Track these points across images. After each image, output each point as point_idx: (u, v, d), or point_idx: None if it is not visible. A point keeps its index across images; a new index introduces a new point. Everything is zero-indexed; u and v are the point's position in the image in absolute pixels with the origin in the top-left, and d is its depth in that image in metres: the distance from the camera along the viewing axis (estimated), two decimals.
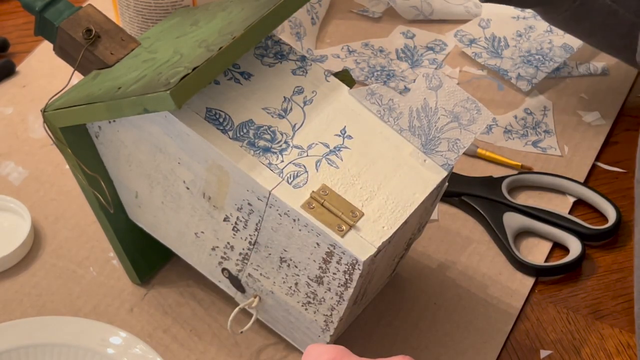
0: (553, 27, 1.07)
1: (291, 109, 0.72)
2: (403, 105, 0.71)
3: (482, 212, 0.88)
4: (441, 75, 0.69)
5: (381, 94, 0.72)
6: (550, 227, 0.87)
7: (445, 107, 0.70)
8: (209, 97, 0.70)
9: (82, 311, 0.82)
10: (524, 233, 0.88)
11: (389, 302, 0.83)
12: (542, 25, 1.07)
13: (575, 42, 1.05)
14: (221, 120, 0.70)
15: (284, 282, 0.73)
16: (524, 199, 0.91)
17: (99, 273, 0.84)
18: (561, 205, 0.91)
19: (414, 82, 0.71)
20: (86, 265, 0.85)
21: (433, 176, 0.71)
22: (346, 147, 0.71)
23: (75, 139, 0.74)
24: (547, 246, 0.87)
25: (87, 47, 0.74)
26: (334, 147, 0.71)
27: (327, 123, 0.72)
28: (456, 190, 0.90)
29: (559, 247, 0.87)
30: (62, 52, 0.77)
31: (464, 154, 0.95)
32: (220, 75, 0.72)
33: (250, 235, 0.72)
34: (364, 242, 0.67)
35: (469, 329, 0.81)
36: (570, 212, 0.90)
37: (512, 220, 0.87)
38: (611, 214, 0.89)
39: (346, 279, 0.68)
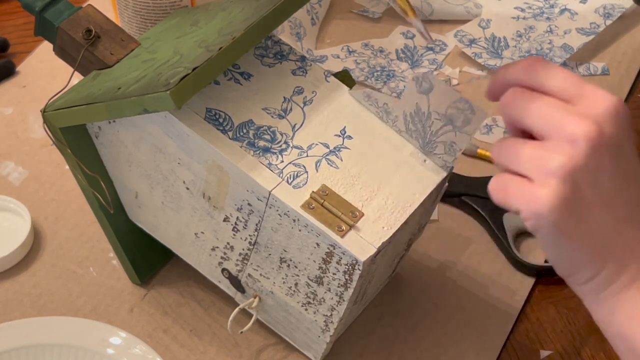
0: (553, 27, 1.07)
1: (291, 109, 0.72)
2: (397, 109, 0.71)
3: (482, 213, 0.88)
4: (431, 77, 0.69)
5: (376, 98, 0.72)
6: None
7: (437, 111, 0.69)
8: (209, 97, 0.70)
9: (82, 311, 0.82)
10: (524, 233, 0.88)
11: (389, 302, 0.83)
12: (542, 25, 1.07)
13: (575, 42, 1.05)
14: (221, 120, 0.70)
15: (283, 282, 0.73)
16: None
17: (99, 273, 0.85)
18: None
19: (404, 87, 0.71)
20: (86, 265, 0.85)
21: (433, 176, 0.71)
22: (346, 148, 0.71)
23: (75, 139, 0.74)
24: None
25: (87, 47, 0.74)
26: (334, 148, 0.71)
27: (327, 123, 0.72)
28: (456, 191, 0.90)
29: None
30: (62, 52, 0.77)
31: (463, 154, 0.95)
32: (220, 75, 0.72)
33: (250, 235, 0.72)
34: (364, 243, 0.67)
35: (469, 329, 0.81)
36: None
37: (512, 221, 0.87)
38: None
39: (346, 279, 0.68)
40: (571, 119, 0.59)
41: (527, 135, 0.62)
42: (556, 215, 0.59)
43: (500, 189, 0.61)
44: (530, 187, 0.60)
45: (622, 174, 0.60)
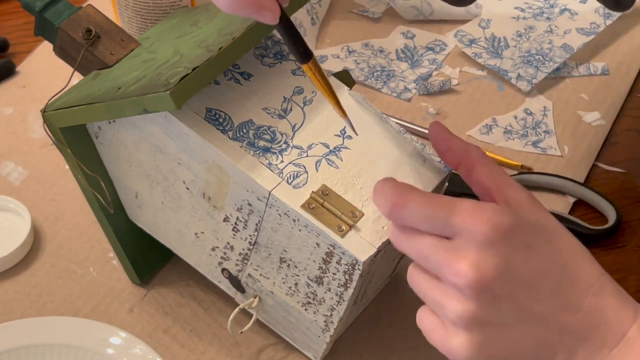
0: (553, 27, 1.07)
1: (291, 109, 0.72)
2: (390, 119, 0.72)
3: None
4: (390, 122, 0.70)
5: (370, 105, 0.73)
6: None
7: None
8: (209, 97, 0.70)
9: (82, 311, 0.82)
10: None
11: (389, 302, 0.82)
12: (542, 25, 1.07)
13: (575, 42, 1.05)
14: (221, 120, 0.70)
15: (283, 282, 0.73)
16: None
17: (99, 273, 0.84)
18: (561, 206, 0.91)
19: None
20: (86, 265, 0.85)
21: (433, 176, 0.71)
22: (346, 147, 0.71)
23: (75, 139, 0.74)
24: None
25: (87, 47, 0.74)
26: (334, 147, 0.71)
27: (327, 123, 0.72)
28: (456, 190, 0.89)
29: None
30: (62, 52, 0.77)
31: None
32: (220, 75, 0.72)
33: (250, 235, 0.72)
34: (363, 243, 0.67)
35: None
36: (570, 212, 0.90)
37: None
38: (611, 214, 0.89)
39: (346, 279, 0.68)
40: (450, 266, 0.59)
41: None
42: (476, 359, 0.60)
43: (426, 331, 0.62)
44: (443, 334, 0.61)
45: (525, 282, 0.60)
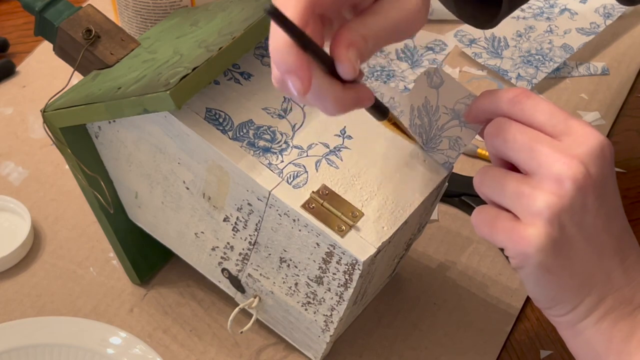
0: (553, 27, 1.07)
1: (291, 109, 0.72)
2: (404, 104, 0.71)
3: None
4: (442, 72, 0.69)
5: (382, 92, 0.72)
6: None
7: (446, 105, 0.69)
8: (209, 97, 0.70)
9: (82, 311, 0.82)
10: None
11: (389, 302, 0.83)
12: (542, 25, 1.07)
13: (575, 42, 1.05)
14: (221, 120, 0.70)
15: (283, 282, 0.73)
16: None
17: (99, 273, 0.85)
18: None
19: (413, 82, 0.71)
20: (86, 265, 0.85)
21: (433, 176, 0.71)
22: (346, 147, 0.71)
23: (75, 139, 0.74)
24: None
25: (87, 47, 0.74)
26: (334, 147, 0.71)
27: (326, 123, 0.72)
28: (456, 190, 0.90)
29: None
30: (62, 52, 0.77)
31: (464, 154, 0.95)
32: (220, 75, 0.72)
33: (250, 235, 0.72)
34: (363, 243, 0.67)
35: (469, 329, 0.81)
36: None
37: None
38: None
39: (346, 279, 0.68)
40: (558, 157, 0.59)
41: (510, 164, 0.62)
42: (542, 256, 0.59)
43: (485, 224, 0.61)
44: (516, 225, 0.60)
45: (605, 211, 0.61)
